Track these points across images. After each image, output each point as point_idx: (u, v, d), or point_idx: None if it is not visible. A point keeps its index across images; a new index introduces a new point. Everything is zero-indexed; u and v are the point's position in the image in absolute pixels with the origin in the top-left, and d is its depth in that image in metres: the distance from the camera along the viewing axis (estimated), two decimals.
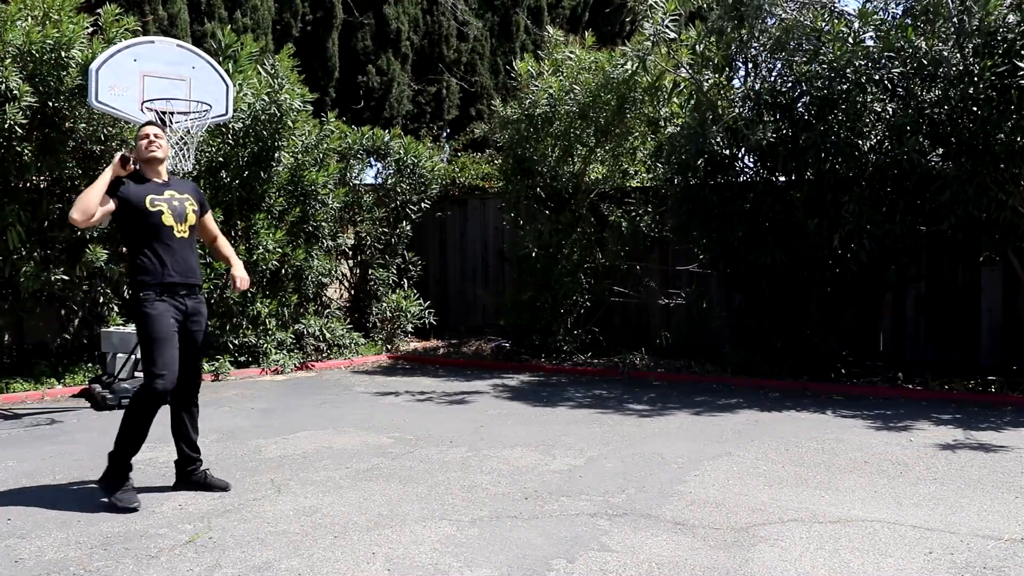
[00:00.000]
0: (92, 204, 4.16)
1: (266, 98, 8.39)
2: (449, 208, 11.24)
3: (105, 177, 4.24)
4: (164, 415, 4.35)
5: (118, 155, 4.29)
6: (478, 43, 16.85)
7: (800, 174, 7.75)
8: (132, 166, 4.33)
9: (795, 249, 7.65)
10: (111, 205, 4.24)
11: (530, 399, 7.18)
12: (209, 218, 4.65)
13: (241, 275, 4.57)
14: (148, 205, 4.26)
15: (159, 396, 4.14)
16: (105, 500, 4.18)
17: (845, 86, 7.12)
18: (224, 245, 4.75)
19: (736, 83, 8.30)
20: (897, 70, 7.19)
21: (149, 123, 4.56)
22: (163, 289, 4.23)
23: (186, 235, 4.35)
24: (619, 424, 6.11)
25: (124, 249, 7.55)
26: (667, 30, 7.92)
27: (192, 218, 4.41)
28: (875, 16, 7.33)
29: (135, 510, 4.09)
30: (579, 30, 15.99)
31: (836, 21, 7.50)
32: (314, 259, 9.12)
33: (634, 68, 8.30)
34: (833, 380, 7.60)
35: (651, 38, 7.97)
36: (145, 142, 4.37)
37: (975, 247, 7.85)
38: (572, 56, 9.13)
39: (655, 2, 7.93)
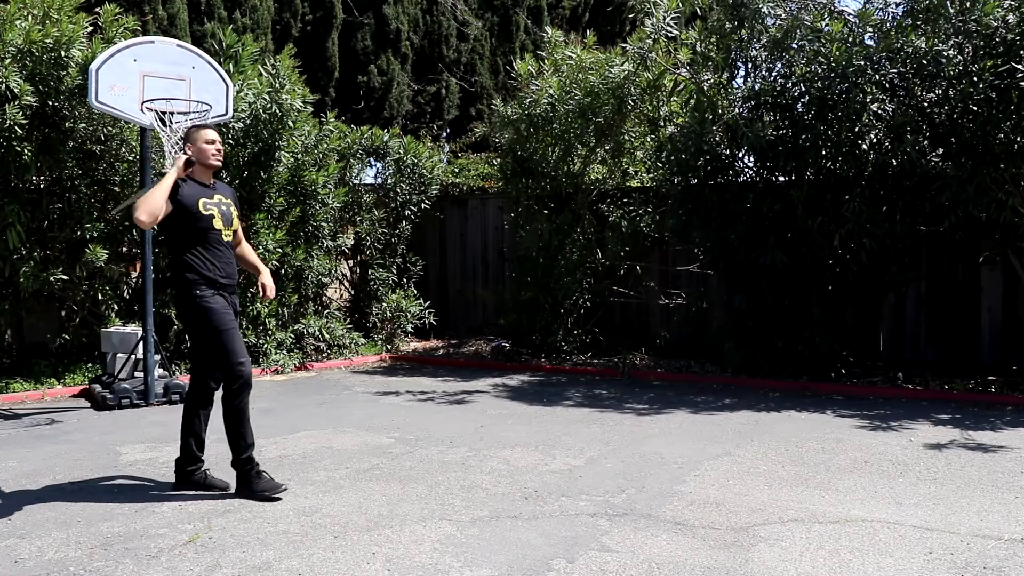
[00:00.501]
0: (159, 206, 4.20)
1: (267, 98, 8.39)
2: (449, 208, 11.22)
3: (170, 179, 4.28)
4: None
5: (182, 158, 4.34)
6: (478, 43, 16.84)
7: (800, 174, 7.75)
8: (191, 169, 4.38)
9: (795, 249, 7.65)
10: (168, 207, 4.28)
11: (530, 399, 7.18)
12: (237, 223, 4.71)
13: (270, 284, 4.68)
14: (201, 208, 4.33)
15: (247, 384, 4.26)
16: (255, 499, 4.24)
17: (844, 86, 7.13)
18: (250, 251, 4.82)
19: (736, 83, 8.29)
20: (897, 70, 7.19)
21: (205, 126, 4.57)
22: (217, 286, 4.33)
23: (230, 238, 4.47)
24: (619, 424, 6.12)
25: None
26: (669, 27, 7.92)
27: (236, 223, 4.54)
28: (875, 16, 7.34)
29: (279, 497, 4.21)
30: (579, 30, 15.99)
31: (836, 21, 7.51)
32: (314, 259, 9.12)
33: (635, 66, 8.30)
34: (833, 380, 7.60)
35: (652, 35, 7.97)
36: (212, 148, 4.42)
37: (975, 247, 7.85)
38: (572, 56, 9.13)
39: None
